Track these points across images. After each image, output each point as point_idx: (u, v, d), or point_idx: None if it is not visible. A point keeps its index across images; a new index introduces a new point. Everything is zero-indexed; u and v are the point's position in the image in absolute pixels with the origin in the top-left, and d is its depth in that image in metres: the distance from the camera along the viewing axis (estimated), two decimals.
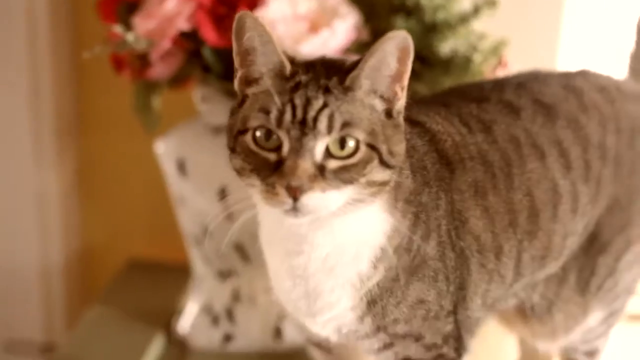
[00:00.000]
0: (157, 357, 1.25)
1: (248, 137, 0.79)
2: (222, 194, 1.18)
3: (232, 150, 0.81)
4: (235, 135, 0.81)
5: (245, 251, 1.23)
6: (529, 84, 0.98)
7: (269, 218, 0.85)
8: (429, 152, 0.88)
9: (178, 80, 1.22)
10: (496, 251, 0.91)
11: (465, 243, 0.88)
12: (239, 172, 0.81)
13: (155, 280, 1.45)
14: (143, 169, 1.53)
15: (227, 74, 1.15)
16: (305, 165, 0.76)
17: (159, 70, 1.16)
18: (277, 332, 1.27)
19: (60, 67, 1.51)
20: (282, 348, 1.26)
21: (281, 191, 0.76)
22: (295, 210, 0.76)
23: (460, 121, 0.93)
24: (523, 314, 1.01)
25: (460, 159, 0.90)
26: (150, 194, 1.55)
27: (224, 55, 1.14)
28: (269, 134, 0.78)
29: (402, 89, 0.80)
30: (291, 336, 1.26)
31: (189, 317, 1.29)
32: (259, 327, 1.26)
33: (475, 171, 0.90)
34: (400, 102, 0.81)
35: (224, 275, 1.26)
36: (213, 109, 1.19)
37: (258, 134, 0.79)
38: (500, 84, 0.99)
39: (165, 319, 1.32)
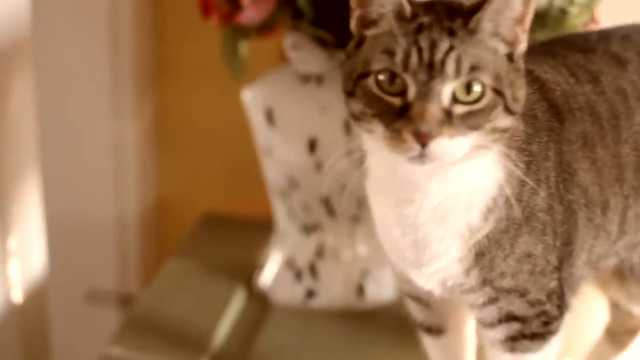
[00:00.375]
0: (239, 311, 1.25)
1: (370, 81, 0.78)
2: (312, 145, 1.19)
3: (351, 94, 0.80)
4: (355, 78, 0.80)
5: (332, 205, 1.23)
6: (633, 37, 0.96)
7: (381, 165, 0.85)
8: (538, 101, 0.87)
9: (267, 27, 1.22)
10: (603, 206, 0.89)
11: (573, 196, 0.87)
12: (359, 117, 0.79)
13: (234, 234, 1.46)
14: (222, 120, 1.54)
15: (319, 20, 1.16)
16: (434, 110, 0.75)
17: (250, 14, 1.16)
18: (360, 290, 1.27)
19: (140, 14, 1.52)
20: (364, 306, 1.26)
21: (408, 137, 0.75)
22: (422, 157, 0.75)
23: (568, 71, 0.92)
24: (621, 275, 0.99)
25: (570, 109, 0.89)
26: (229, 146, 1.55)
27: (317, 1, 1.14)
28: (392, 77, 0.77)
29: (524, 31, 0.79)
30: (373, 294, 1.27)
31: (270, 272, 1.29)
32: (342, 284, 1.26)
33: (584, 122, 0.89)
34: (522, 46, 0.80)
35: (309, 229, 1.26)
36: (303, 56, 1.19)
37: (381, 77, 0.77)
38: (605, 35, 0.97)
39: (246, 273, 1.33)
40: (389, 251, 0.88)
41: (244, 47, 1.22)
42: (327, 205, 1.23)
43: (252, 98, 1.24)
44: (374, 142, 0.80)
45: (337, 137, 1.18)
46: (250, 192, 1.51)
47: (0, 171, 1.30)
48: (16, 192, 1.33)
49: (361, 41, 0.81)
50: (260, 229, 1.43)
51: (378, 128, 0.78)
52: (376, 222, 0.88)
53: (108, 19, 1.49)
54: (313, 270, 1.26)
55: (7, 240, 1.31)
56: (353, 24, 0.82)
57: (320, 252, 1.26)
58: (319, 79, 1.21)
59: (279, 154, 1.22)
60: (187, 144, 1.59)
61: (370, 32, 0.80)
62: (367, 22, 0.80)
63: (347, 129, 1.18)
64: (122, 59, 1.51)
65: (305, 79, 1.21)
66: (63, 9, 1.49)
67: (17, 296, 1.35)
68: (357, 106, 0.79)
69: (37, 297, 1.43)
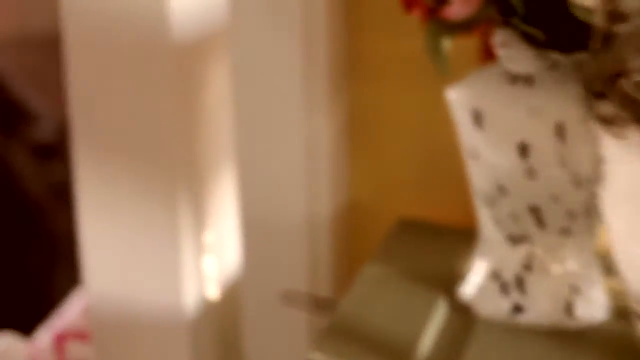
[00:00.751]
0: (441, 322, 1.22)
1: (627, 82, 0.74)
2: (523, 149, 1.15)
3: (600, 95, 0.76)
4: (606, 78, 0.75)
5: (542, 215, 1.17)
6: None
7: (627, 174, 0.80)
8: None
9: (473, 23, 1.18)
10: None
11: None
12: (611, 121, 0.75)
13: (431, 241, 1.42)
14: (419, 119, 1.51)
15: (530, 17, 1.10)
16: None
17: (457, 9, 1.12)
18: (569, 308, 1.21)
19: (335, 8, 1.51)
20: (574, 325, 1.20)
21: None
22: None
23: None
24: None
25: None
26: (426, 148, 1.52)
27: None
28: None
29: None
30: (584, 313, 1.20)
31: (474, 283, 1.25)
32: (551, 300, 1.21)
33: None
34: None
35: (516, 240, 1.21)
36: (512, 55, 1.14)
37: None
38: None
39: (446, 283, 1.29)
40: (626, 268, 0.83)
41: (448, 44, 1.19)
42: (537, 215, 1.18)
43: (458, 98, 1.20)
44: (623, 149, 0.75)
45: (549, 143, 1.13)
46: (448, 197, 1.48)
47: (198, 163, 1.31)
48: (212, 186, 1.34)
49: (608, 37, 0.77)
50: (458, 237, 1.39)
51: (635, 134, 0.73)
52: (613, 235, 0.84)
53: (302, 12, 1.48)
54: (520, 283, 1.21)
55: (203, 235, 1.32)
56: (599, 19, 0.78)
57: (528, 265, 1.21)
58: (528, 80, 1.16)
59: (486, 158, 1.18)
60: (381, 144, 1.57)
61: (620, 29, 0.76)
62: (616, 18, 0.76)
63: (560, 134, 1.13)
64: (316, 55, 1.50)
65: (514, 79, 1.16)
66: (259, 1, 1.50)
67: (213, 293, 1.36)
68: (609, 109, 0.75)
69: (232, 294, 1.44)
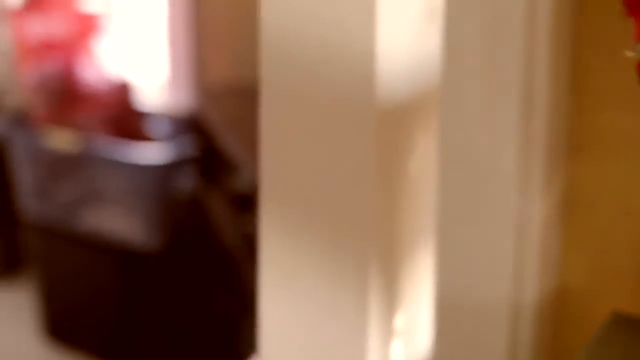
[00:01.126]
0: None
1: None
2: None
3: None
4: None
5: None
6: None
7: None
8: None
9: None
10: None
11: None
12: None
13: None
14: None
15: None
16: None
17: None
18: None
19: (559, 80, 1.42)
20: None
21: None
22: None
23: None
24: None
25: None
26: None
27: None
28: None
29: None
30: None
31: None
32: None
33: None
34: None
35: None
36: None
37: None
38: None
39: None
40: None
41: None
42: None
43: None
44: None
45: None
46: None
47: (394, 238, 1.24)
48: (408, 264, 1.27)
49: None
50: None
51: None
52: None
53: (523, 79, 1.40)
54: None
55: (394, 318, 1.24)
56: None
57: None
58: None
59: None
60: (599, 228, 1.45)
61: None
62: None
63: None
64: (535, 127, 1.41)
65: None
66: (475, 67, 1.42)
67: None
68: None
69: None
